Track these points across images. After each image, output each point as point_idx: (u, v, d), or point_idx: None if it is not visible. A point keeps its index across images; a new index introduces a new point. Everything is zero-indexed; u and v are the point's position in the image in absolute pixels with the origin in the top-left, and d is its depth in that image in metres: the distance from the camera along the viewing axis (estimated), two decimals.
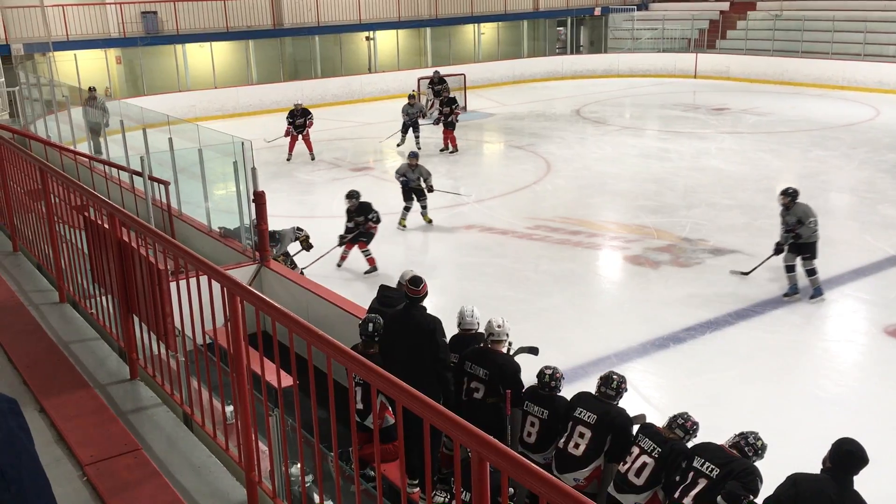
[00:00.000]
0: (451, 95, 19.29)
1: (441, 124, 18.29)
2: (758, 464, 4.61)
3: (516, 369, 5.63)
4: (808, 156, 17.06)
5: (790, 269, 9.48)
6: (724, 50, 30.08)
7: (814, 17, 28.20)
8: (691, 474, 4.61)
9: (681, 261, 10.87)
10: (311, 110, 17.76)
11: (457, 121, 18.26)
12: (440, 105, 18.67)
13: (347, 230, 10.69)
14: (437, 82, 22.00)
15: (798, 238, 9.28)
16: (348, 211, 10.73)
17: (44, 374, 4.33)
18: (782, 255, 9.50)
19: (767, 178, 15.32)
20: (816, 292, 9.38)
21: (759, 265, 9.89)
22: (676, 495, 4.62)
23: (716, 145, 18.36)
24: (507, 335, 5.82)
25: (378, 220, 10.73)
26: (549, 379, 5.46)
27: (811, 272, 9.35)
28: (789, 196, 9.38)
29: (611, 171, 16.15)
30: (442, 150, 18.07)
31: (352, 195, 10.72)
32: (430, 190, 12.51)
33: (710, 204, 13.50)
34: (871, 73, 25.21)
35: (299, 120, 17.42)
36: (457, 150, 18.08)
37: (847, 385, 7.68)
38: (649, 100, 25.44)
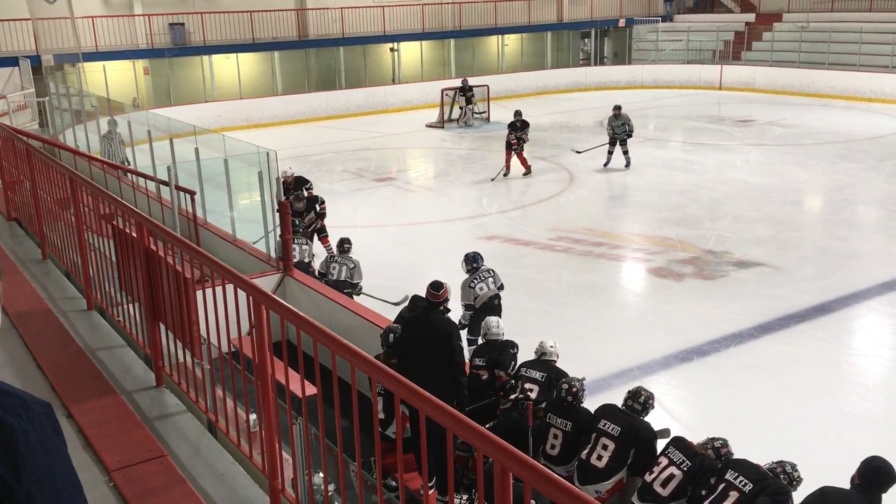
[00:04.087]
0: (520, 119, 16.75)
1: (513, 150, 16.59)
2: None
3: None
4: (834, 168, 16.88)
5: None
6: (750, 61, 29.86)
7: (841, 29, 27.92)
8: (722, 486, 4.56)
9: (705, 273, 10.78)
10: (310, 180, 11.94)
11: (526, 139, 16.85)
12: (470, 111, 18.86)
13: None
14: (468, 89, 23.35)
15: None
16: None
17: (71, 381, 4.39)
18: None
19: (793, 191, 15.19)
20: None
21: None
22: None
23: (741, 157, 18.22)
24: (559, 356, 6.07)
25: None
26: (566, 393, 5.44)
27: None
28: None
29: (634, 182, 16.09)
30: (525, 174, 16.79)
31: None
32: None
33: (735, 216, 13.39)
34: None
35: (297, 203, 10.64)
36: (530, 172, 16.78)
37: (874, 401, 7.57)
38: (674, 111, 25.31)
